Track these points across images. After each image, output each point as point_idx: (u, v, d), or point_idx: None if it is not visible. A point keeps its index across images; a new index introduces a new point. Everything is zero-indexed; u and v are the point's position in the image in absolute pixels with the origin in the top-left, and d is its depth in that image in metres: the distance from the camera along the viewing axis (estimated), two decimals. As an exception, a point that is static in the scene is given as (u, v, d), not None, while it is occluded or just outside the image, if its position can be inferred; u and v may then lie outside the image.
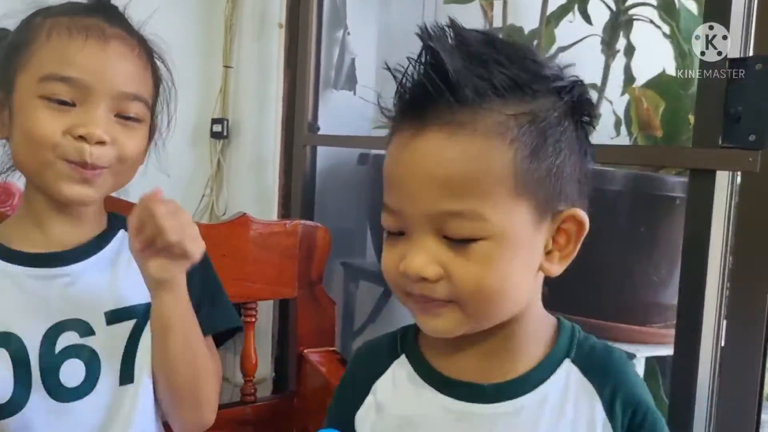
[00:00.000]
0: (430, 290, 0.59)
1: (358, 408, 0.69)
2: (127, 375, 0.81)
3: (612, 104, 1.74)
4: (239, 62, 1.70)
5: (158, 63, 0.87)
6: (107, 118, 0.77)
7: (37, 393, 0.77)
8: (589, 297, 1.19)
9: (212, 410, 0.84)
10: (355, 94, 1.68)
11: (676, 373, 0.83)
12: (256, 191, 1.70)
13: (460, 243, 0.58)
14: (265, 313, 1.74)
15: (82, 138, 0.75)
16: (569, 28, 1.78)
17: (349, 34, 1.69)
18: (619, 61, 1.72)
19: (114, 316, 0.82)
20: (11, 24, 0.81)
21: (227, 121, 1.72)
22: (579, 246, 0.63)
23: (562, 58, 1.76)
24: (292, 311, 1.36)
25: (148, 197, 0.74)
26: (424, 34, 0.58)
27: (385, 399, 0.68)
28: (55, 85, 0.75)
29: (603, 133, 1.75)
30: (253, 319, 1.24)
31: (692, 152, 0.81)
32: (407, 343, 0.69)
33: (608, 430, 0.62)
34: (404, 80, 0.59)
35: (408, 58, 0.59)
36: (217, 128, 1.71)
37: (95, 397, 0.79)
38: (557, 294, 1.37)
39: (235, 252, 1.21)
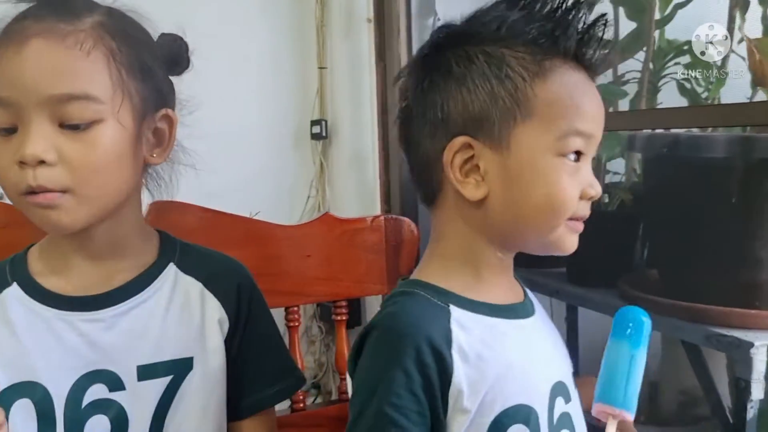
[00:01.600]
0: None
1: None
2: None
3: (746, 61, 1.56)
4: (332, 62, 1.72)
5: (136, 39, 0.73)
6: (48, 132, 0.66)
7: None
8: (696, 280, 1.07)
9: None
10: (448, 80, 1.62)
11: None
12: (358, 189, 1.71)
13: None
14: (373, 311, 1.74)
15: (23, 164, 0.65)
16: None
17: (439, 20, 1.64)
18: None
19: (146, 371, 0.75)
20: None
21: (326, 121, 1.74)
22: None
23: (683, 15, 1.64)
24: (386, 307, 1.34)
25: None
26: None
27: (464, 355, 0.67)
28: None
29: (738, 93, 1.58)
30: (345, 317, 1.23)
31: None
32: (437, 293, 0.70)
33: None
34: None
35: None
36: (317, 129, 1.73)
37: None
38: (667, 280, 1.25)
39: (320, 251, 1.21)
